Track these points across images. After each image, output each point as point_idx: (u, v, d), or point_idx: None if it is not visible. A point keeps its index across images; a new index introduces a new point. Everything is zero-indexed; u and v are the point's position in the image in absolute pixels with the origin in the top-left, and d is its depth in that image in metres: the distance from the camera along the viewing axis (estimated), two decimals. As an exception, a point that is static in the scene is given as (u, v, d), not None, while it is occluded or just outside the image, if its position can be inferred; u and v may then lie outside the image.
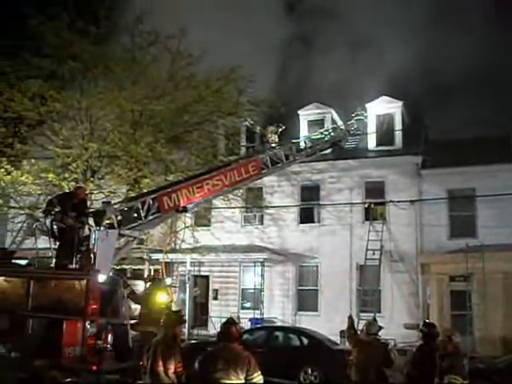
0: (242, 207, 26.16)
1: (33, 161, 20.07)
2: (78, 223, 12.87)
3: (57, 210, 12.97)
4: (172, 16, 21.69)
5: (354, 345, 9.72)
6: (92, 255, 12.71)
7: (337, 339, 19.07)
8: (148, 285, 14.54)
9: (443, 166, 23.49)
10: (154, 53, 21.61)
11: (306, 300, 25.41)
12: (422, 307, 22.84)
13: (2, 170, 19.18)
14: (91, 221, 13.10)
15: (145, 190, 18.17)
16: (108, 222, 13.29)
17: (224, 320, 7.14)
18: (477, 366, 13.59)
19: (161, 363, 7.26)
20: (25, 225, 19.87)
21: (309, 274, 25.81)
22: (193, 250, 24.76)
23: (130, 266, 22.93)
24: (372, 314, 20.93)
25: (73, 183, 19.30)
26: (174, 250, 25.35)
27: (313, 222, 26.10)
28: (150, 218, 14.15)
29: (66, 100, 20.08)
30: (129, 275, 22.24)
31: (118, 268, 17.76)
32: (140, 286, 14.81)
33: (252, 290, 25.60)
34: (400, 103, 26.20)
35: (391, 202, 24.05)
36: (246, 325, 21.53)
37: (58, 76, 20.82)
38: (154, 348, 7.43)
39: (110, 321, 12.03)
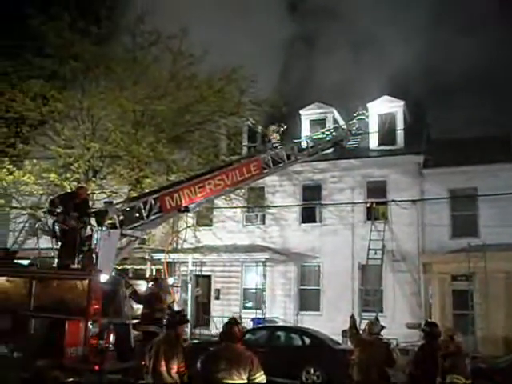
0: (244, 207, 26.15)
1: (35, 161, 20.09)
2: (80, 223, 12.88)
3: (59, 210, 12.97)
4: (173, 16, 21.70)
5: (356, 344, 9.72)
6: (94, 255, 12.72)
7: (339, 339, 19.06)
8: (150, 285, 14.55)
9: (445, 166, 23.48)
10: (155, 53, 21.60)
11: (307, 300, 25.41)
12: (424, 307, 22.84)
13: (4, 170, 19.19)
14: (93, 221, 13.10)
15: (147, 190, 18.17)
16: (110, 222, 13.29)
17: (226, 320, 7.14)
18: (479, 365, 13.58)
19: (163, 363, 7.26)
20: (27, 225, 19.91)
21: (311, 273, 25.81)
22: (195, 250, 24.76)
23: (131, 266, 22.95)
24: (374, 314, 20.91)
25: (75, 183, 19.30)
26: (175, 250, 25.34)
27: (315, 221, 26.10)
28: (152, 217, 14.15)
29: (67, 100, 20.09)
30: (131, 275, 22.27)
31: (119, 268, 17.79)
32: (142, 286, 14.83)
33: (254, 290, 25.63)
34: (402, 103, 26.18)
35: (393, 201, 24.03)
36: (247, 324, 21.52)
37: (59, 76, 20.82)
38: (157, 348, 7.43)
39: (112, 321, 12.03)
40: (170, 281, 16.71)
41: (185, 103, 21.25)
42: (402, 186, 24.17)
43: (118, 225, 13.39)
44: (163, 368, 7.24)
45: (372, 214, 24.50)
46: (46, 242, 13.93)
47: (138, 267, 24.30)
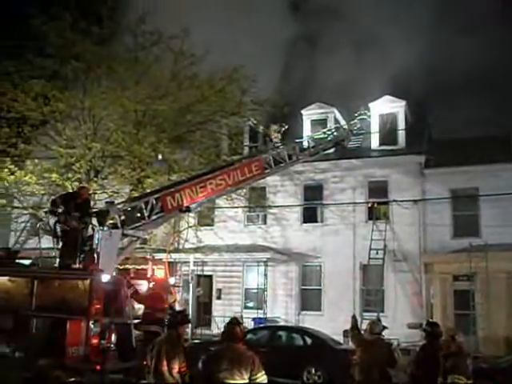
0: (245, 207, 26.16)
1: (36, 161, 20.13)
2: (82, 223, 12.89)
3: (60, 210, 12.99)
4: (175, 16, 21.71)
5: (358, 344, 9.72)
6: (95, 255, 12.74)
7: (340, 339, 19.05)
8: (151, 284, 14.55)
9: (446, 166, 23.47)
10: (156, 53, 21.60)
11: (309, 300, 25.42)
12: (426, 307, 22.82)
13: (6, 170, 19.22)
14: (95, 221, 13.12)
15: (148, 190, 18.18)
16: (111, 221, 13.32)
17: (227, 320, 7.15)
18: (480, 365, 13.56)
19: (165, 363, 7.27)
20: (28, 225, 19.90)
21: (312, 273, 25.81)
22: (196, 250, 24.77)
23: (133, 266, 22.89)
24: (375, 314, 20.94)
25: (76, 183, 19.33)
26: (177, 250, 25.37)
27: (316, 221, 26.10)
28: (154, 217, 14.17)
29: (68, 100, 20.10)
30: (132, 275, 22.22)
31: (121, 268, 17.77)
32: (143, 286, 14.82)
33: (255, 290, 25.63)
34: (403, 102, 26.17)
35: (394, 201, 24.02)
36: (249, 324, 21.52)
37: (60, 76, 20.84)
38: (159, 347, 7.44)
39: (113, 320, 12.04)
40: (172, 281, 16.65)
41: (186, 103, 21.26)
42: (404, 186, 24.17)
43: (119, 225, 13.42)
44: (165, 368, 7.24)
45: (373, 214, 24.49)
46: (47, 242, 13.94)
47: (140, 267, 24.27)
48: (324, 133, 21.66)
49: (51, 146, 20.69)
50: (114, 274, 13.31)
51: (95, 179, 20.26)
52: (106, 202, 14.98)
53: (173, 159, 21.13)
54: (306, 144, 20.13)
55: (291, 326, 21.45)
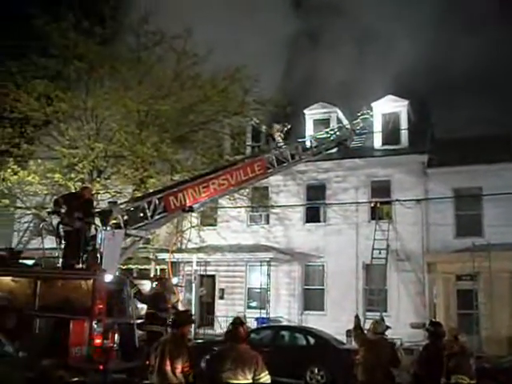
0: (248, 207, 26.17)
1: (39, 161, 20.12)
2: (85, 223, 12.91)
3: (63, 210, 13.00)
4: (177, 15, 21.70)
5: (361, 344, 9.71)
6: (98, 255, 12.77)
7: (343, 339, 19.05)
8: (154, 284, 14.57)
9: (449, 165, 23.44)
10: (159, 53, 21.59)
11: (312, 299, 25.41)
12: (429, 306, 22.80)
13: (9, 170, 19.22)
14: (97, 221, 13.14)
15: (151, 190, 18.19)
16: (114, 221, 13.35)
17: (230, 319, 7.16)
18: (483, 365, 13.54)
19: (168, 362, 7.26)
20: (31, 225, 19.94)
21: (315, 273, 25.81)
22: (199, 250, 24.79)
23: (136, 266, 22.99)
24: (378, 314, 20.93)
25: (79, 183, 19.34)
26: (180, 250, 25.35)
27: (319, 221, 26.09)
28: (157, 217, 14.20)
29: (71, 100, 20.10)
30: (135, 275, 22.32)
31: (124, 268, 17.82)
32: (146, 286, 14.86)
33: (258, 290, 25.62)
34: (406, 102, 26.15)
35: (397, 200, 24.02)
36: (252, 324, 21.52)
37: (63, 76, 20.86)
38: (162, 347, 7.43)
39: (116, 320, 12.07)
40: (175, 280, 16.71)
41: (189, 103, 21.26)
42: (407, 186, 24.15)
43: (122, 225, 13.45)
44: (168, 367, 7.24)
45: (376, 214, 24.48)
46: (50, 242, 13.97)
47: (143, 267, 24.34)
48: (327, 132, 21.69)
49: (54, 146, 20.71)
50: (117, 273, 13.33)
51: (98, 179, 20.26)
52: (109, 202, 15.00)
53: (175, 159, 21.13)
54: (308, 144, 20.16)
55: (294, 326, 21.44)
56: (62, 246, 13.07)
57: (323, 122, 26.64)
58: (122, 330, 12.18)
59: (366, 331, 10.19)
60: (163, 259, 23.86)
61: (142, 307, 13.97)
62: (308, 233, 25.92)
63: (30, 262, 14.12)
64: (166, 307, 13.31)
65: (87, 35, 20.32)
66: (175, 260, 24.58)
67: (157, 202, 14.17)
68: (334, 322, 21.79)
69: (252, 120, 24.89)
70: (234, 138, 24.87)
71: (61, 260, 12.98)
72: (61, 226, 13.06)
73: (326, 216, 25.87)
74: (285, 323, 23.69)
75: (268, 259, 24.96)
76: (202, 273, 26.03)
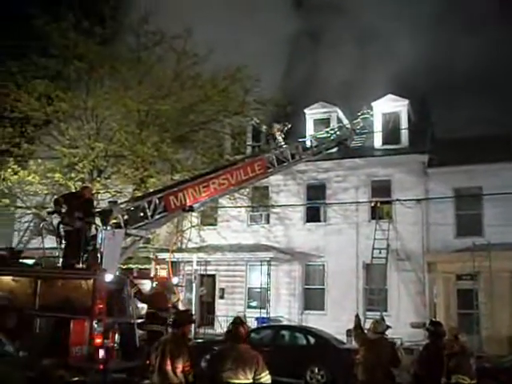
0: (248, 206, 26.17)
1: (39, 161, 20.14)
2: (85, 223, 12.91)
3: (63, 210, 13.00)
4: (177, 15, 21.70)
5: (361, 344, 9.70)
6: (99, 255, 12.78)
7: (343, 338, 19.05)
8: (154, 284, 14.58)
9: (450, 165, 23.43)
10: (159, 53, 21.61)
11: (312, 299, 25.42)
12: (429, 306, 22.80)
13: (9, 169, 19.25)
14: (98, 220, 13.14)
15: (151, 190, 18.21)
16: (114, 221, 13.36)
17: (230, 319, 7.17)
18: (483, 365, 13.54)
19: (169, 362, 7.27)
20: (32, 224, 19.92)
21: (315, 272, 25.81)
22: (199, 250, 24.80)
23: (136, 266, 22.95)
24: (378, 313, 20.92)
25: (79, 183, 19.35)
26: (180, 250, 25.37)
27: (319, 220, 26.09)
28: (157, 217, 14.21)
29: (72, 100, 20.12)
30: (135, 274, 22.29)
31: (124, 267, 17.82)
32: (146, 286, 14.86)
33: (258, 289, 25.61)
34: (406, 101, 26.14)
35: (397, 200, 24.01)
36: (252, 324, 21.51)
37: (63, 76, 20.88)
38: (163, 347, 7.44)
39: (116, 320, 12.09)
40: (175, 280, 16.70)
41: (189, 103, 21.27)
42: (407, 185, 24.15)
43: (122, 224, 13.46)
44: (169, 367, 7.24)
45: (376, 213, 24.48)
46: (50, 242, 13.97)
47: (143, 267, 24.32)
48: (327, 132, 21.69)
49: (54, 146, 20.73)
50: (118, 273, 13.34)
51: (98, 179, 20.28)
52: (109, 202, 15.03)
53: (176, 159, 21.14)
54: (308, 143, 20.17)
55: (294, 326, 21.43)
56: (63, 246, 13.09)
57: (323, 122, 26.64)
58: (123, 330, 12.20)
59: (366, 331, 10.18)
60: (163, 259, 23.86)
61: (143, 307, 13.99)
62: (308, 232, 25.92)
63: (30, 262, 14.12)
64: (166, 307, 13.33)
65: (87, 35, 20.33)
66: (175, 259, 24.58)
67: (157, 201, 14.18)
68: (335, 321, 21.80)
69: (252, 120, 24.89)
70: (234, 138, 24.86)
71: (61, 260, 13.00)
72: (61, 226, 13.08)
73: (327, 216, 25.88)
74: (285, 323, 23.69)
75: (268, 259, 24.96)
76: (202, 272, 26.04)
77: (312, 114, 27.59)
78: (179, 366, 7.23)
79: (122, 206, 14.13)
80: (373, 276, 24.05)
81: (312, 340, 17.14)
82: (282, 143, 19.14)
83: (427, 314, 22.30)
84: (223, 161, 21.75)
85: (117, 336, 11.76)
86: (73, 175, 19.74)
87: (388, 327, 9.83)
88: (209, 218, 26.76)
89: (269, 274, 25.03)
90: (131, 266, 21.55)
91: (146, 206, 14.00)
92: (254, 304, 25.83)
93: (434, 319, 15.01)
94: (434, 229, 23.46)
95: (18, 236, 20.73)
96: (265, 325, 21.38)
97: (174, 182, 17.80)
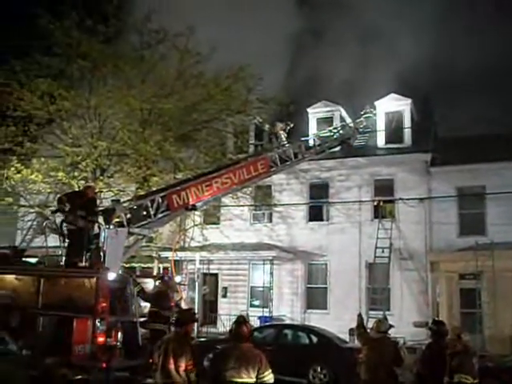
0: (251, 205, 26.17)
1: (42, 159, 20.17)
2: (88, 222, 12.92)
3: (67, 208, 13.01)
4: (180, 14, 21.67)
5: (364, 343, 9.70)
6: (102, 253, 12.78)
7: (346, 337, 19.05)
8: (157, 283, 14.58)
9: (452, 164, 23.43)
10: (162, 51, 21.59)
11: (315, 298, 25.42)
12: (432, 305, 22.79)
13: (12, 168, 19.30)
14: (101, 219, 13.15)
15: (154, 188, 18.21)
16: (117, 220, 13.35)
17: (233, 318, 7.18)
18: (486, 364, 13.53)
19: (172, 361, 7.29)
20: (35, 223, 19.94)
21: (318, 272, 25.81)
22: (202, 248, 24.80)
23: (139, 264, 22.98)
24: (381, 312, 20.92)
25: (82, 181, 19.37)
26: (183, 248, 25.39)
27: (322, 220, 26.09)
28: (160, 216, 14.20)
29: (74, 98, 20.13)
30: (138, 273, 22.31)
31: (127, 266, 17.83)
32: (149, 284, 14.86)
33: (261, 288, 25.63)
34: (409, 101, 26.10)
35: (400, 199, 23.99)
36: (255, 323, 21.53)
37: (67, 75, 20.90)
38: (166, 345, 7.46)
39: (119, 318, 12.09)
40: (178, 279, 16.70)
41: (192, 101, 21.27)
42: (410, 184, 24.13)
43: (125, 223, 13.45)
44: (171, 366, 7.26)
45: (379, 213, 24.47)
46: (53, 241, 13.98)
47: (146, 265, 24.35)
48: (330, 131, 21.62)
49: (57, 145, 20.75)
50: (120, 272, 13.34)
51: (101, 177, 20.30)
52: (112, 201, 15.00)
53: (179, 158, 21.15)
54: (311, 142, 20.13)
55: (297, 325, 21.43)
56: (66, 245, 13.10)
57: (326, 121, 26.62)
58: (125, 328, 12.20)
59: (369, 330, 10.18)
60: (166, 258, 23.88)
61: (145, 305, 13.98)
62: (311, 231, 25.92)
63: (33, 261, 14.14)
64: (169, 305, 13.33)
65: (90, 34, 20.34)
66: (178, 258, 24.59)
67: (160, 200, 14.17)
68: (337, 320, 21.79)
69: (255, 118, 24.89)
70: (237, 137, 24.87)
71: (64, 258, 13.01)
72: (64, 225, 13.09)
73: (329, 215, 25.87)
74: (288, 322, 23.66)
75: (271, 258, 24.97)
76: (204, 271, 26.08)
77: (315, 112, 27.57)
78: (182, 365, 7.25)
79: (124, 204, 14.13)
80: (375, 275, 24.04)
81: (315, 339, 17.13)
82: (285, 142, 19.13)
83: (430, 313, 22.29)
84: (226, 160, 21.75)
85: (120, 335, 11.76)
86: (76, 174, 19.78)
87: (391, 326, 9.84)
88: (212, 217, 26.76)
89: (271, 273, 25.05)
90: (134, 264, 21.60)
91: (149, 204, 14.00)
92: (256, 303, 25.85)
93: (436, 318, 15.04)
94: (437, 228, 23.44)
95: (21, 235, 20.77)
96: (267, 324, 21.36)
97: (176, 181, 17.80)
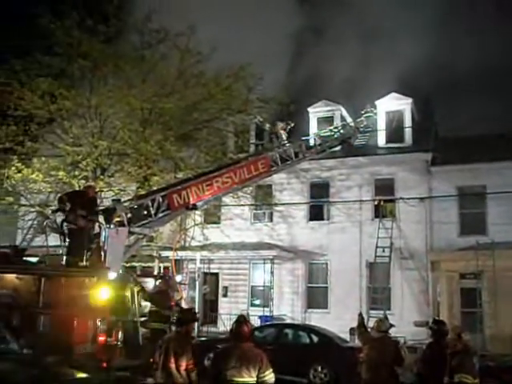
0: (252, 205, 26.16)
1: (43, 159, 20.18)
2: (89, 221, 12.92)
3: (67, 208, 13.01)
4: (181, 13, 21.68)
5: (365, 342, 9.70)
6: (102, 253, 12.77)
7: (347, 337, 19.05)
8: (158, 282, 14.60)
9: (453, 163, 23.44)
10: (163, 51, 21.60)
11: (315, 297, 25.43)
12: (432, 305, 22.80)
13: (13, 168, 19.31)
14: (101, 219, 13.15)
15: (154, 188, 18.21)
16: (118, 219, 13.34)
17: (233, 317, 7.18)
18: (487, 364, 13.56)
19: (173, 360, 7.30)
20: (35, 222, 19.96)
21: (318, 271, 25.81)
22: (202, 248, 24.81)
23: (139, 264, 22.98)
24: (382, 312, 20.92)
25: (83, 181, 19.39)
26: (183, 248, 25.40)
27: (322, 219, 26.09)
28: (160, 215, 14.19)
29: (75, 98, 20.14)
30: (139, 273, 22.32)
31: (127, 265, 17.83)
32: (150, 284, 14.88)
33: (261, 288, 25.65)
34: (410, 100, 26.10)
35: (401, 199, 23.98)
36: (255, 322, 21.55)
37: (67, 74, 20.91)
38: (167, 345, 7.47)
39: (120, 318, 12.08)
40: (178, 278, 16.71)
41: (192, 101, 21.27)
42: (410, 184, 24.13)
43: (125, 222, 13.45)
44: (172, 365, 7.27)
45: (380, 212, 24.47)
46: (54, 240, 13.99)
47: (146, 265, 24.36)
48: (330, 130, 21.60)
49: (58, 144, 20.76)
50: (121, 271, 13.34)
51: (102, 177, 20.30)
52: (113, 200, 15.01)
53: (179, 157, 21.15)
54: (312, 142, 20.11)
55: (297, 324, 21.43)
56: (66, 244, 13.10)
57: (327, 120, 26.60)
58: (126, 328, 12.20)
59: (369, 329, 10.18)
60: (167, 257, 23.88)
61: (146, 305, 14.00)
62: (311, 231, 25.92)
63: (34, 260, 14.14)
64: (169, 305, 13.36)
65: (91, 33, 20.35)
66: (179, 258, 24.59)
67: (160, 199, 14.17)
68: (338, 320, 21.78)
69: (256, 118, 24.89)
70: (237, 136, 24.88)
71: (65, 258, 13.01)
72: (65, 224, 13.09)
73: (330, 214, 25.88)
74: (288, 321, 23.68)
75: (271, 257, 24.97)
76: (205, 271, 26.06)
77: (315, 112, 27.57)
78: (183, 364, 7.26)
79: (125, 204, 14.13)
80: (376, 274, 24.05)
81: (315, 338, 17.13)
82: (286, 141, 19.13)
83: (430, 312, 22.29)
84: (226, 159, 21.76)
85: (120, 334, 11.77)
86: (76, 173, 19.79)
87: (391, 326, 9.84)
88: (212, 217, 26.76)
89: (272, 273, 25.05)
90: (135, 264, 21.59)
91: (150, 204, 14.00)
92: (257, 302, 25.86)
93: (437, 318, 15.05)
94: (438, 227, 23.44)
95: (22, 234, 20.80)
96: (268, 323, 21.38)
97: (177, 181, 17.80)
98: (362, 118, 22.04)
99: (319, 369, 16.10)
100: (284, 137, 19.45)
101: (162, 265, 24.97)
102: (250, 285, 26.35)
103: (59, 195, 15.07)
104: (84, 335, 11.24)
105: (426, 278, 23.31)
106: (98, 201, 16.02)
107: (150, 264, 24.78)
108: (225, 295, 26.64)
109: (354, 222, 24.94)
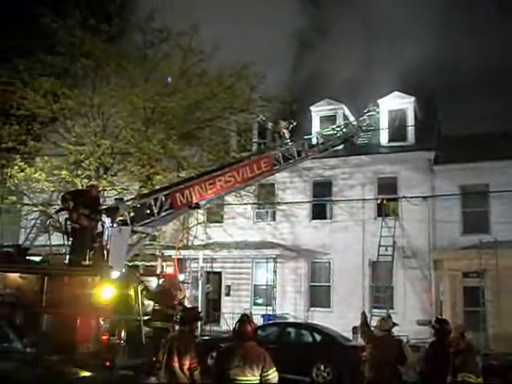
0: (255, 203, 26.16)
1: (46, 158, 20.19)
2: (92, 220, 12.93)
3: (70, 207, 13.03)
4: (184, 12, 21.66)
5: (368, 341, 9.71)
6: (105, 252, 12.78)
7: (349, 335, 19.04)
8: (161, 281, 14.60)
9: (456, 162, 23.41)
10: (165, 50, 21.59)
11: (318, 296, 25.43)
12: (435, 303, 22.77)
13: (16, 167, 19.33)
14: (104, 218, 13.16)
15: (157, 187, 18.23)
16: (121, 218, 13.36)
17: (236, 316, 7.19)
18: (490, 362, 13.55)
19: (176, 359, 7.31)
20: (38, 222, 20.01)
21: (321, 270, 25.81)
22: (205, 247, 24.81)
23: (142, 263, 23.01)
24: (385, 311, 20.92)
25: (86, 180, 19.41)
26: (186, 247, 25.37)
27: (325, 218, 26.08)
28: (163, 214, 14.20)
29: (78, 97, 20.14)
30: (142, 271, 22.34)
31: (130, 264, 17.85)
32: (153, 283, 14.88)
33: (264, 287, 25.65)
34: (412, 99, 26.08)
35: (404, 197, 23.96)
36: (258, 321, 21.54)
37: (70, 74, 20.90)
38: (170, 344, 7.48)
39: (123, 317, 12.09)
40: (181, 277, 16.73)
41: (195, 100, 21.26)
42: (413, 183, 24.11)
43: (128, 221, 13.47)
44: (176, 364, 7.28)
45: (383, 211, 24.45)
46: (57, 239, 14.01)
47: (149, 264, 24.38)
48: (333, 129, 21.61)
49: (61, 143, 20.77)
50: (124, 270, 13.35)
51: (104, 176, 20.31)
52: (116, 199, 15.03)
53: (182, 156, 21.15)
54: (314, 140, 20.13)
55: (300, 323, 21.43)
56: (69, 243, 13.12)
57: (329, 119, 26.61)
58: (129, 327, 12.21)
59: (372, 328, 10.18)
60: (170, 256, 23.90)
61: (149, 304, 14.00)
62: (314, 230, 25.92)
63: (37, 259, 14.17)
64: (172, 304, 13.35)
65: (94, 33, 20.33)
66: (181, 257, 24.60)
67: (163, 198, 14.18)
68: (341, 318, 21.80)
69: (258, 117, 24.86)
70: (240, 135, 24.87)
71: (68, 257, 13.02)
72: (68, 223, 13.10)
73: (333, 213, 25.87)
74: (291, 320, 23.70)
75: (274, 256, 24.98)
76: (208, 269, 26.08)
77: (318, 111, 27.57)
78: (186, 363, 7.27)
79: (128, 203, 14.15)
80: (379, 273, 24.05)
81: (318, 337, 17.13)
82: (288, 140, 19.11)
83: (433, 311, 22.28)
84: (229, 158, 21.75)
85: (123, 333, 11.78)
86: (79, 172, 19.79)
87: (394, 324, 9.84)
88: (215, 215, 26.79)
89: (275, 271, 25.07)
90: (137, 263, 21.61)
91: (153, 203, 14.00)
92: (259, 301, 25.87)
93: (440, 317, 15.02)
94: (441, 226, 23.42)
95: (25, 233, 20.92)
96: (271, 322, 21.41)
97: (180, 180, 17.80)
98: (365, 117, 22.04)
99: (322, 368, 16.11)
100: (287, 136, 19.42)
101: (164, 264, 25.00)
102: (253, 284, 26.37)
103: (62, 194, 15.09)
104: (87, 334, 11.26)
105: (429, 276, 23.29)
106: (101, 200, 16.02)
107: (152, 263, 24.81)
108: (228, 294, 26.65)
109: (356, 220, 24.94)
